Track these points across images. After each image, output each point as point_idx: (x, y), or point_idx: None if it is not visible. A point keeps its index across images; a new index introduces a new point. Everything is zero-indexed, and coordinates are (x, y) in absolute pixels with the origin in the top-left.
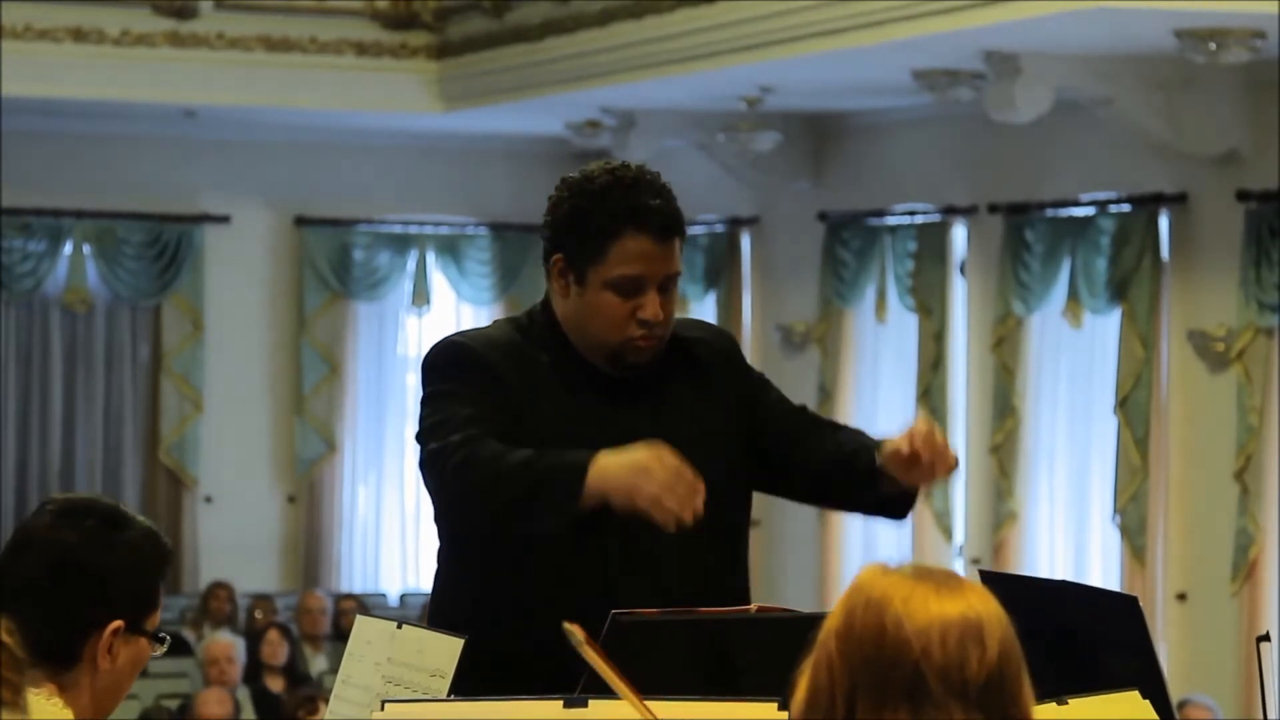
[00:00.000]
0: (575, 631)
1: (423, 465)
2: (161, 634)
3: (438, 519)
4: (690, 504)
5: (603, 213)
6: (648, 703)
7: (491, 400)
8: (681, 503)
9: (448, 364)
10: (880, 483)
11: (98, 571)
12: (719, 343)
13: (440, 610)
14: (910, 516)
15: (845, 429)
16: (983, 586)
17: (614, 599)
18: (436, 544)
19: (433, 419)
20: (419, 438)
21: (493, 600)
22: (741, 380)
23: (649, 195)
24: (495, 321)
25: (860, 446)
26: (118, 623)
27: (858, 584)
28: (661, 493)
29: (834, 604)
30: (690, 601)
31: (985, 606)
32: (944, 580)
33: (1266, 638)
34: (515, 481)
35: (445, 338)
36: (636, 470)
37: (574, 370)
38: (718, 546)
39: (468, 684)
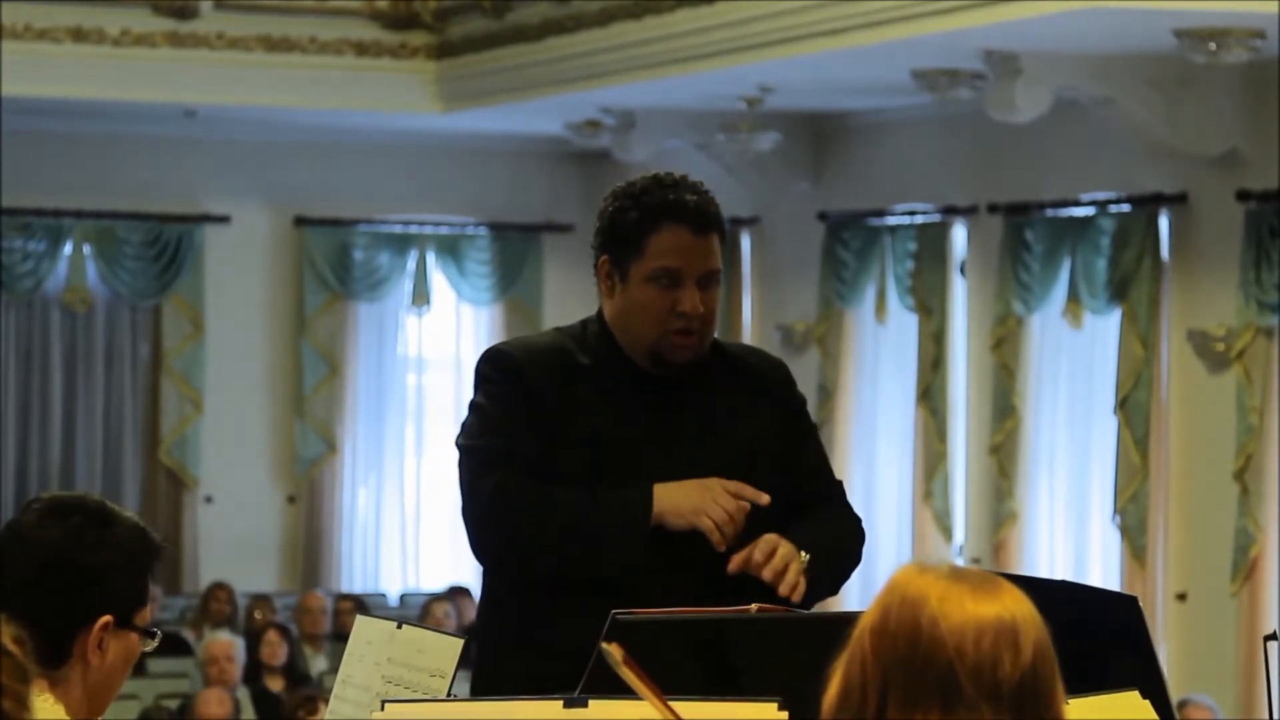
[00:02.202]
0: (614, 651)
1: (462, 492)
2: (152, 629)
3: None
4: (737, 528)
5: (641, 209)
6: (647, 703)
7: (525, 420)
8: (735, 526)
9: (489, 373)
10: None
11: (85, 568)
12: (769, 368)
13: (485, 627)
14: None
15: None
16: (1018, 589)
17: (630, 591)
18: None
19: (470, 441)
20: (457, 444)
21: (533, 620)
22: (788, 407)
23: (686, 192)
24: (548, 330)
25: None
26: (106, 618)
27: (894, 582)
28: (724, 514)
29: (834, 605)
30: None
31: (1020, 609)
32: (980, 582)
33: (1274, 636)
34: (562, 539)
35: (493, 345)
36: (702, 488)
37: (619, 373)
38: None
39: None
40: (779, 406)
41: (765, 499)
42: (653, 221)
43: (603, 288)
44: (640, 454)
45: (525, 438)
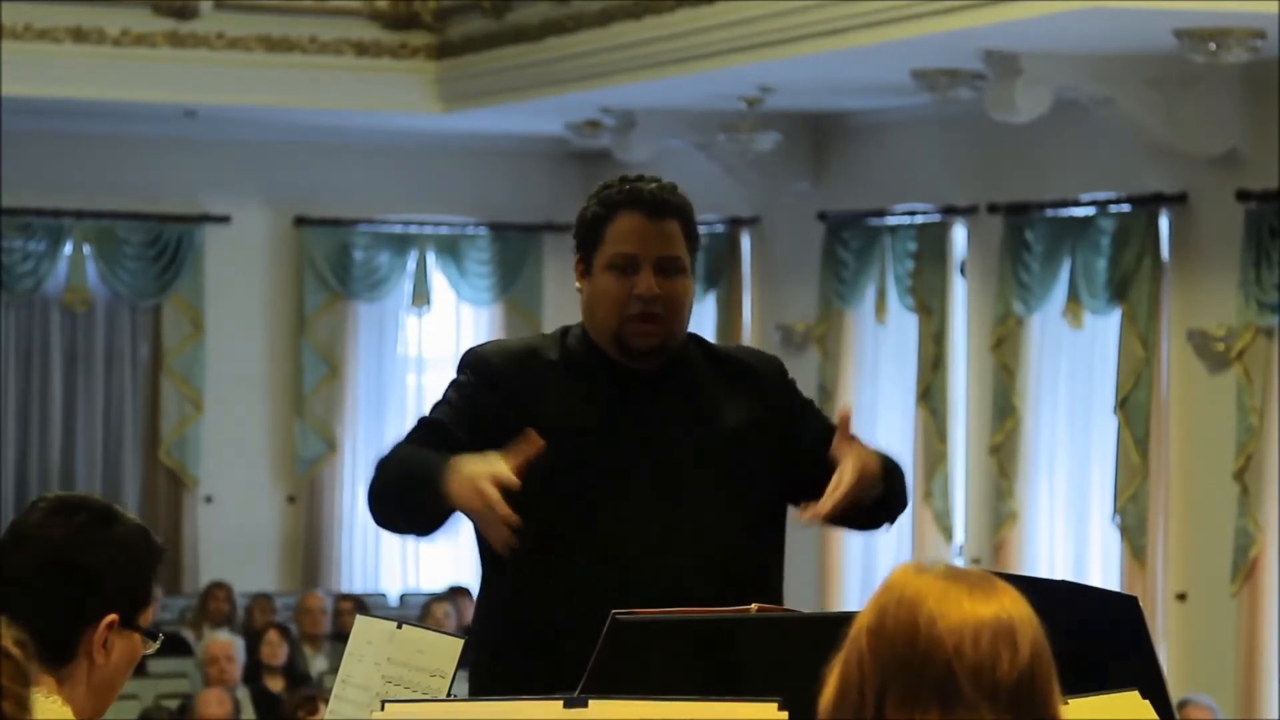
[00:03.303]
0: None
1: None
2: (155, 630)
3: None
4: (501, 537)
5: (601, 201)
6: (648, 703)
7: (470, 408)
8: (496, 534)
9: (459, 371)
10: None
11: (90, 566)
12: (759, 362)
13: (480, 616)
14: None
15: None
16: (1014, 589)
17: (617, 590)
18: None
19: (418, 420)
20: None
21: (521, 609)
22: (780, 395)
23: (646, 183)
24: (531, 335)
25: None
26: (112, 616)
27: (890, 582)
28: (484, 520)
29: (834, 605)
30: (691, 591)
31: (1017, 609)
32: (977, 581)
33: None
34: (389, 487)
35: (470, 347)
36: (471, 488)
37: (593, 365)
38: (725, 534)
39: (502, 683)
40: (767, 393)
41: (514, 483)
42: (610, 211)
43: (578, 285)
44: (617, 443)
45: (455, 415)
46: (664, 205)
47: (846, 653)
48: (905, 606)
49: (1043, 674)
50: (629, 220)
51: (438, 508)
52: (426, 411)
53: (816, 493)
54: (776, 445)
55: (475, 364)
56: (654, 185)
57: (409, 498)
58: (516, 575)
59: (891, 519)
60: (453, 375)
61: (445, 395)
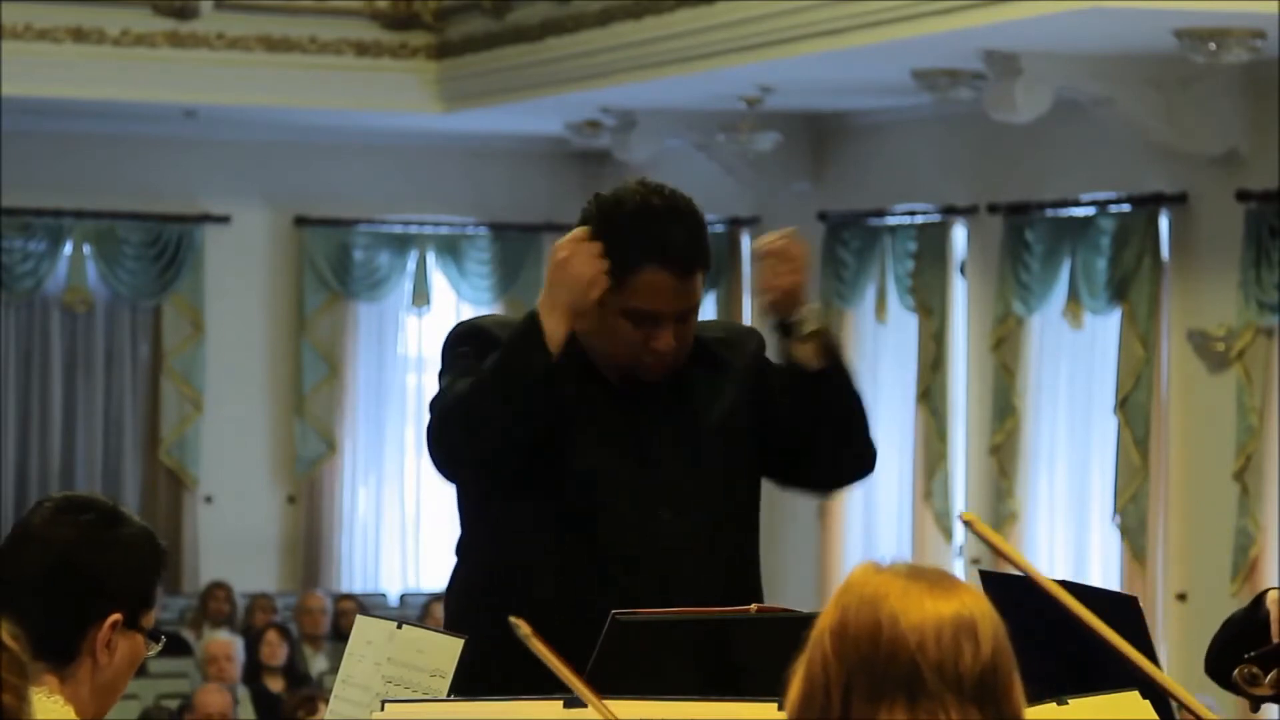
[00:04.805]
0: (520, 625)
1: (427, 436)
2: (157, 633)
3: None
4: (593, 267)
5: (627, 243)
6: (648, 703)
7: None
8: (586, 265)
9: (459, 339)
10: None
11: (96, 565)
12: (740, 339)
13: (455, 602)
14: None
15: None
16: (973, 586)
17: (618, 598)
18: (455, 540)
19: (435, 398)
20: (431, 407)
21: (499, 599)
22: (761, 373)
23: (676, 227)
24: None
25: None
26: (116, 615)
27: (850, 582)
28: (574, 269)
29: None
30: (699, 601)
31: (977, 605)
32: (937, 579)
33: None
34: (484, 383)
35: (463, 320)
36: (555, 269)
37: (584, 367)
38: (731, 537)
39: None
40: (745, 368)
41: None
42: (636, 260)
43: None
44: (607, 435)
45: None
46: (694, 260)
47: (810, 654)
48: (867, 606)
49: (1004, 668)
50: (657, 277)
51: (535, 357)
52: (431, 396)
53: (785, 467)
54: (757, 417)
55: (473, 333)
56: (684, 232)
57: (495, 391)
58: (506, 556)
59: (855, 451)
60: (448, 351)
61: (449, 367)
